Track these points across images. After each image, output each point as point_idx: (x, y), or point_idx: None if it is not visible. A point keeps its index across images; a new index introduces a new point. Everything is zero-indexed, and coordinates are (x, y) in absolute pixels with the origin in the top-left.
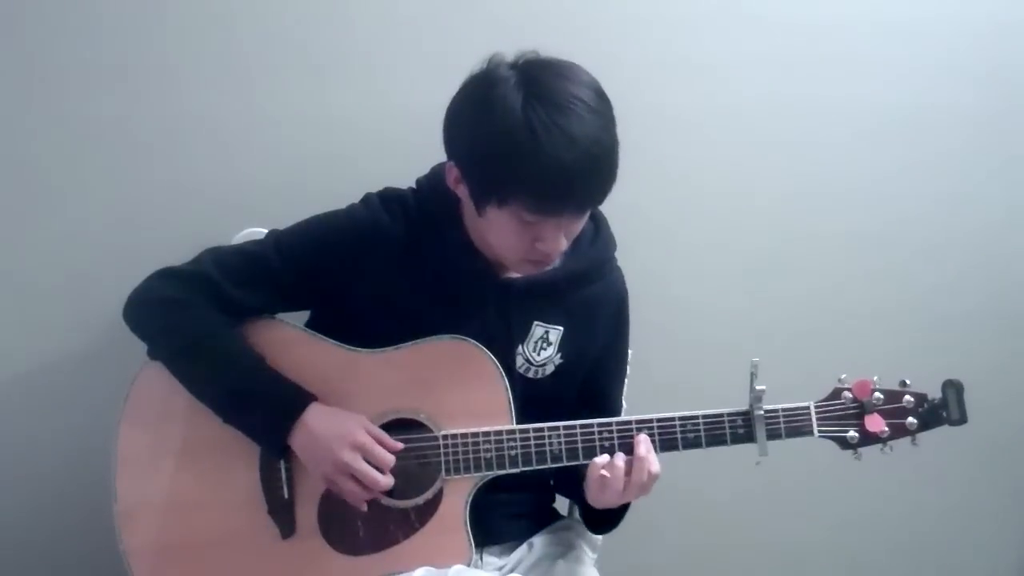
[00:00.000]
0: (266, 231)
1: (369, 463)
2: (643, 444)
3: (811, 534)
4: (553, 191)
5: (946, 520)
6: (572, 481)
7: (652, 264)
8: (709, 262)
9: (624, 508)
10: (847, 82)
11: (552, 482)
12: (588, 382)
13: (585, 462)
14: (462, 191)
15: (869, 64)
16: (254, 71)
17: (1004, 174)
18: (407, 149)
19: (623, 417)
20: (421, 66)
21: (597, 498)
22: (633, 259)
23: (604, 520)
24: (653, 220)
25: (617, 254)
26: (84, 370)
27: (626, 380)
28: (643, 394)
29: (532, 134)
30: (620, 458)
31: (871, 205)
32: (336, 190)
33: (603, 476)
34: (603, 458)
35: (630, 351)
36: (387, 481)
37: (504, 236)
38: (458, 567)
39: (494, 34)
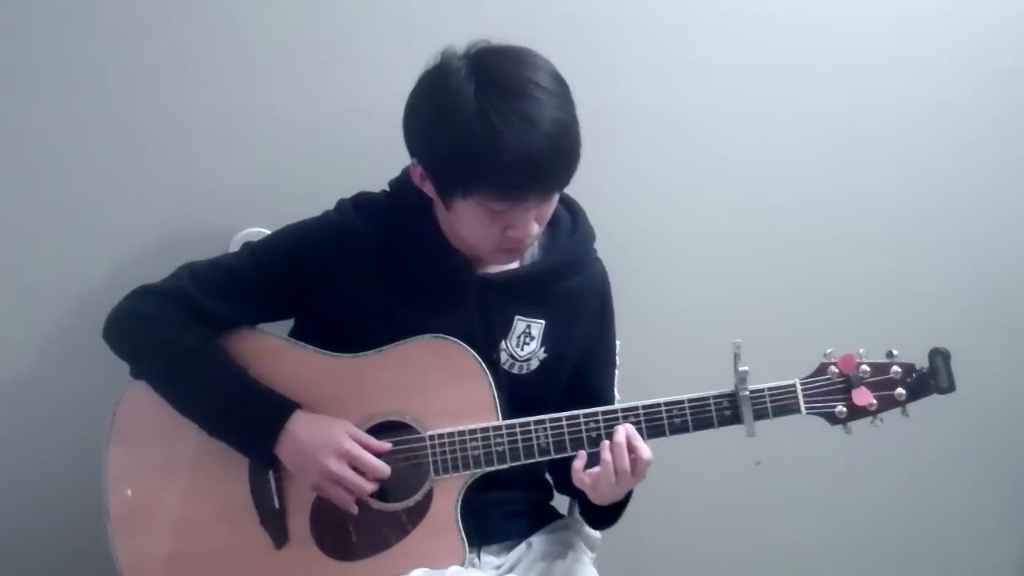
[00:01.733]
0: (267, 231)
1: (357, 469)
2: (620, 432)
3: (810, 534)
4: (516, 177)
5: (946, 519)
6: (569, 479)
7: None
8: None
9: (624, 502)
10: (844, 81)
11: (552, 482)
12: (577, 376)
13: (575, 453)
14: (428, 187)
15: (868, 62)
16: (255, 71)
17: (997, 170)
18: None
19: (608, 407)
20: (423, 66)
21: (592, 496)
22: (616, 248)
23: (604, 516)
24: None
25: (604, 247)
26: (81, 377)
27: (616, 372)
28: (628, 384)
29: (488, 122)
30: (604, 449)
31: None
32: (337, 190)
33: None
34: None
35: (618, 342)
36: (372, 487)
37: (474, 227)
38: (455, 568)
39: (491, 35)
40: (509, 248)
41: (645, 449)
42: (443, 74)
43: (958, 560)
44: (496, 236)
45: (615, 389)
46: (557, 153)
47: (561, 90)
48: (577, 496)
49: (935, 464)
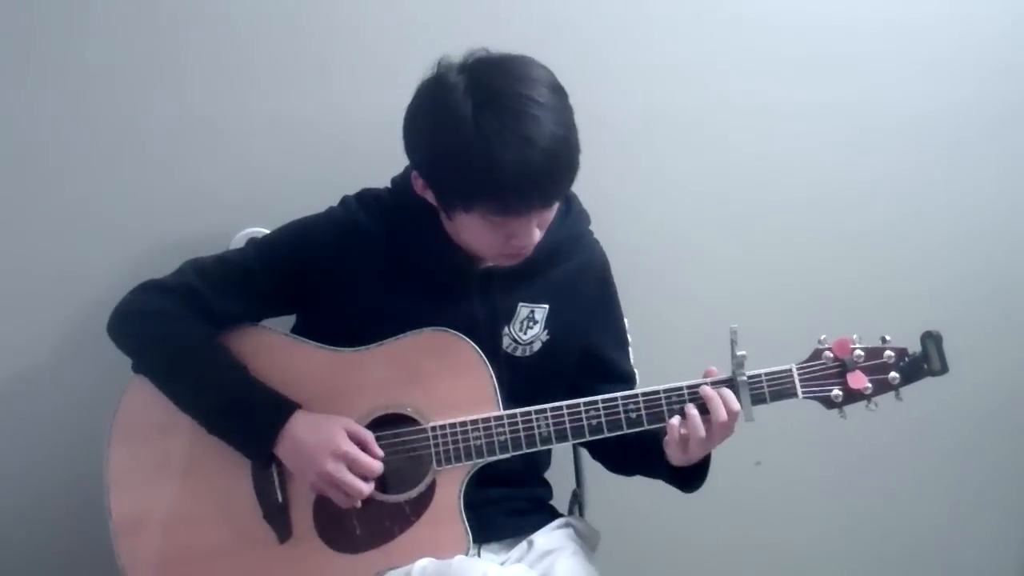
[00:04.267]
0: (267, 231)
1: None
2: (708, 388)
3: (810, 534)
4: (516, 194)
5: (946, 518)
6: (646, 453)
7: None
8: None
9: (707, 459)
10: (843, 79)
11: (619, 462)
12: (589, 355)
13: (576, 441)
14: (430, 196)
15: (868, 61)
16: (255, 71)
17: (992, 165)
18: None
19: (608, 395)
20: (424, 67)
21: (681, 458)
22: (617, 241)
23: (693, 475)
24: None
25: (607, 240)
26: (81, 376)
27: (630, 348)
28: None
29: (486, 142)
30: (691, 408)
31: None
32: (337, 190)
33: (683, 435)
34: (676, 419)
35: (626, 320)
36: (370, 488)
37: (477, 236)
38: (460, 558)
39: (492, 35)
40: (512, 254)
41: (732, 399)
42: (441, 90)
43: (958, 559)
44: (499, 244)
45: (631, 362)
46: (556, 168)
47: (559, 102)
48: (657, 469)
49: (934, 464)
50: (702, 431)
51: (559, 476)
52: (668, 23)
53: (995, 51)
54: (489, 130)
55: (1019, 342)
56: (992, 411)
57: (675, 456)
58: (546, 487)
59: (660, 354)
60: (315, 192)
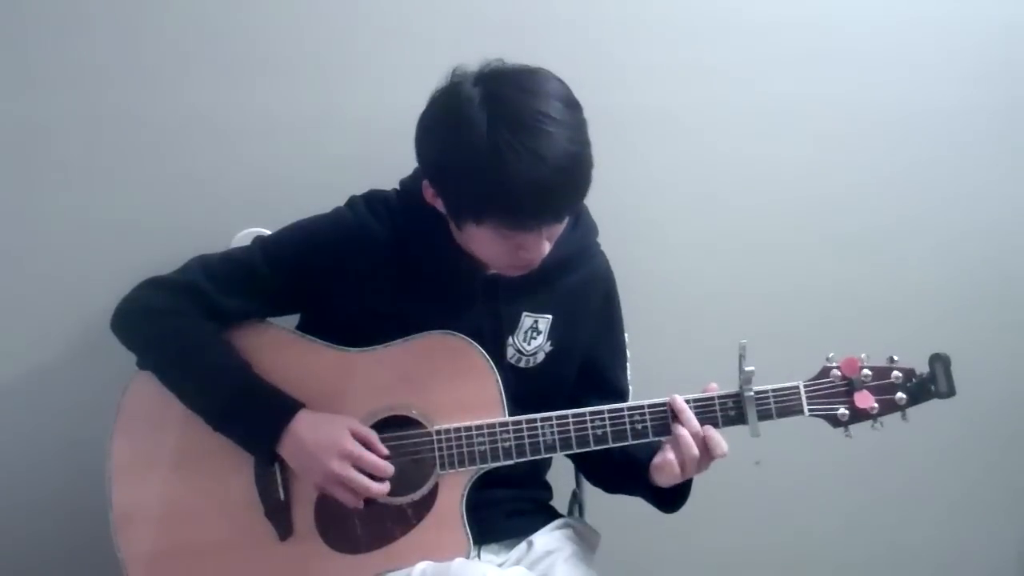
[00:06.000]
0: (267, 231)
1: (363, 469)
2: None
3: (809, 534)
4: (528, 209)
5: (946, 519)
6: (633, 473)
7: (641, 254)
8: (699, 253)
9: (689, 481)
10: (847, 81)
11: (590, 478)
12: (588, 368)
13: (580, 450)
14: (440, 205)
15: (871, 63)
16: (256, 71)
17: (999, 170)
18: (410, 150)
19: (614, 405)
20: (425, 67)
21: (665, 481)
22: (622, 249)
23: (675, 495)
24: (644, 210)
25: (611, 247)
26: (82, 374)
27: (628, 364)
28: (634, 384)
29: (500, 157)
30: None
31: (861, 197)
32: (337, 190)
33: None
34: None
35: (626, 335)
36: (379, 487)
37: (486, 247)
38: (460, 560)
39: (496, 36)
40: (521, 266)
41: (719, 441)
42: (456, 102)
43: (958, 560)
44: (508, 256)
45: (627, 378)
46: (568, 184)
47: (573, 117)
48: (639, 489)
49: (934, 464)
50: (724, 447)
51: (559, 477)
52: (672, 25)
53: (995, 51)
54: (503, 145)
55: (1020, 342)
56: (992, 411)
57: (664, 474)
58: (546, 488)
59: (665, 364)
60: (315, 192)
